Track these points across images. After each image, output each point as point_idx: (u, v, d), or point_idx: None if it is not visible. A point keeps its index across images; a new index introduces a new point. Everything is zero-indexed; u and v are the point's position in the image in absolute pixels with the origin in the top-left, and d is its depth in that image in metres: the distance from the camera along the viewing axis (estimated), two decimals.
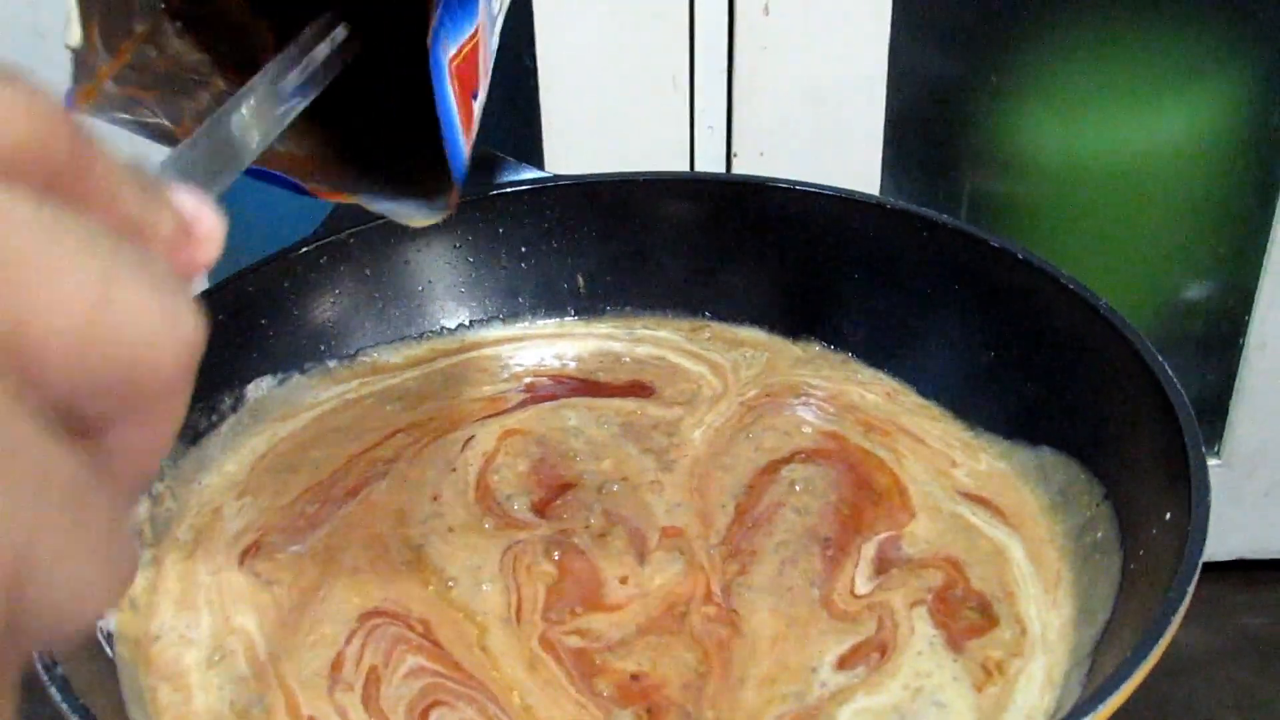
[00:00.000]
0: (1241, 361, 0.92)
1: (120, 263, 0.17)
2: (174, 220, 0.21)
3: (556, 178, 0.61)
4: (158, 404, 0.18)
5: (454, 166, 0.41)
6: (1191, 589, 0.40)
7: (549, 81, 0.76)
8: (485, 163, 0.61)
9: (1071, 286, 0.52)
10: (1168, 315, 0.92)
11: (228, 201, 0.25)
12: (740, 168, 0.81)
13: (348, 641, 0.46)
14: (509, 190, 0.60)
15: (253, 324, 0.56)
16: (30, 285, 0.16)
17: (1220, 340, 0.92)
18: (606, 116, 0.78)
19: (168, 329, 0.18)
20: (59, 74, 0.37)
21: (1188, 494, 0.42)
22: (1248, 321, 0.91)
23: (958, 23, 0.82)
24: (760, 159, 0.82)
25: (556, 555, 0.49)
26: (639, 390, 0.58)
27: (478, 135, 0.61)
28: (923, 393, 0.56)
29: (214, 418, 0.55)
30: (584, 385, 0.58)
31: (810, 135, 0.80)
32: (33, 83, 0.18)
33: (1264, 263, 0.88)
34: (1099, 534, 0.48)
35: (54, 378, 0.17)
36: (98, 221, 0.18)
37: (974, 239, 0.55)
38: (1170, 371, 0.48)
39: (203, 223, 0.22)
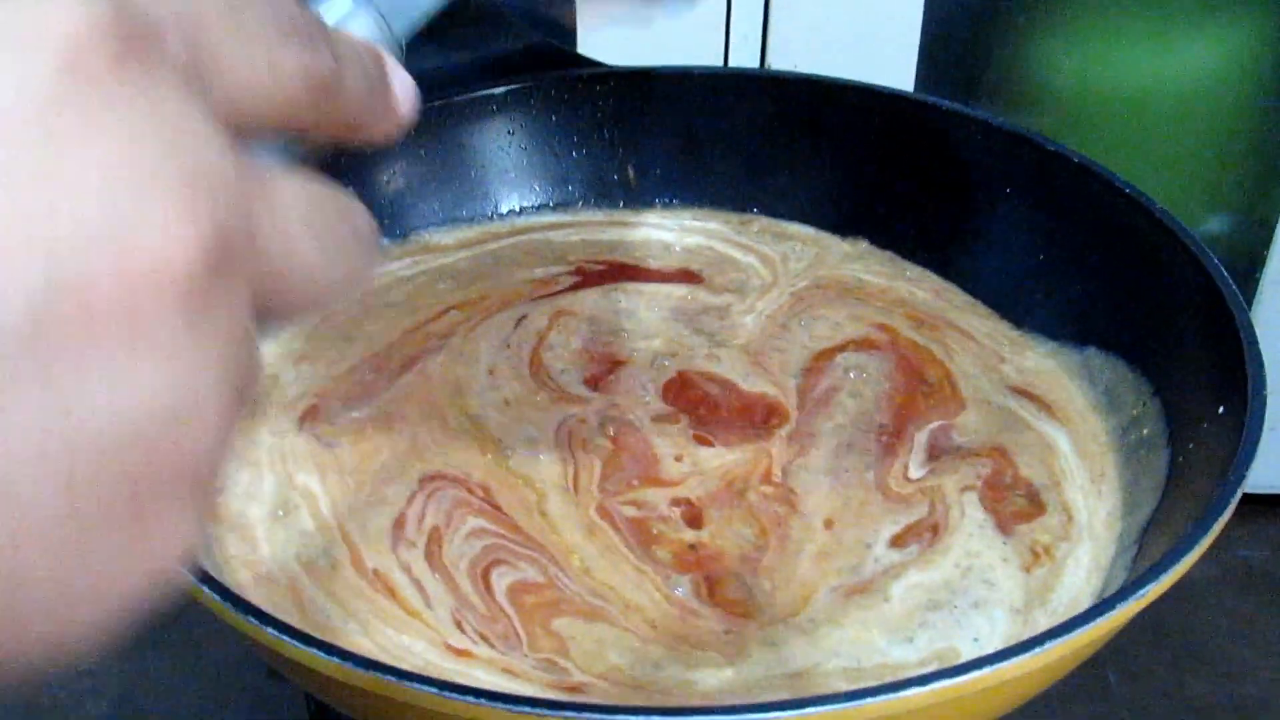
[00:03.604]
0: (1256, 298, 0.93)
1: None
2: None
3: (612, 69, 0.61)
4: None
5: None
6: (1248, 473, 0.41)
7: None
8: (541, 53, 0.61)
9: (1129, 190, 0.52)
10: None
11: None
12: None
13: (409, 502, 0.46)
14: (563, 78, 0.60)
15: None
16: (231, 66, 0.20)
17: (1237, 276, 0.93)
18: (643, 19, 0.78)
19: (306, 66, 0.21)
20: None
21: (1244, 386, 0.43)
22: (1265, 257, 0.91)
23: None
24: (793, 71, 0.82)
25: (611, 431, 0.49)
26: (689, 277, 0.58)
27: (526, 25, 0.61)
28: (970, 291, 0.57)
29: None
30: (634, 271, 0.59)
31: (844, 51, 0.80)
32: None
33: None
34: (1144, 430, 0.49)
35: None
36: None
37: (1030, 143, 0.55)
38: (1225, 273, 0.49)
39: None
